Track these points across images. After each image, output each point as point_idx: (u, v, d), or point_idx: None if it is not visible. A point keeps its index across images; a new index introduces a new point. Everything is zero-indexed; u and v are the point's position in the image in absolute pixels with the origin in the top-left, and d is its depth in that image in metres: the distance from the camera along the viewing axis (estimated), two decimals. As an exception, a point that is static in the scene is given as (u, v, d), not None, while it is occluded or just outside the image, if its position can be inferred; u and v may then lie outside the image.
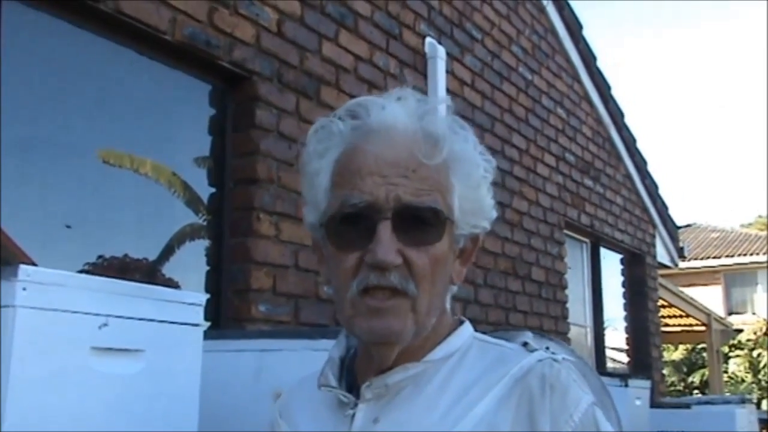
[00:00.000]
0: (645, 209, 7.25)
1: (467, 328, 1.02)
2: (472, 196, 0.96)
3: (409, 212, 0.91)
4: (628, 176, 6.92)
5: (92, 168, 2.85)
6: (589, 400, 0.92)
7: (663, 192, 7.49)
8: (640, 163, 7.05)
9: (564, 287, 5.55)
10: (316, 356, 1.89)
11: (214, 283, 3.02)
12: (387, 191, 0.91)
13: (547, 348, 0.98)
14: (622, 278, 7.09)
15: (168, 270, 3.04)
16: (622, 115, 6.70)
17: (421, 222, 0.92)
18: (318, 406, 1.00)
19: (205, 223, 3.14)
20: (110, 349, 1.19)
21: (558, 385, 0.91)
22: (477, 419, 0.89)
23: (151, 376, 1.25)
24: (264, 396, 1.93)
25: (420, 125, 0.96)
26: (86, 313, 1.15)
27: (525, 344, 0.98)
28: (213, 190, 3.11)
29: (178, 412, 1.29)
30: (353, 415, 0.94)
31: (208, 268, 3.07)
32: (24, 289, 1.06)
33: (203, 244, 3.17)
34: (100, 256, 2.79)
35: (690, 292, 12.43)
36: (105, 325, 1.18)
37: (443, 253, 0.93)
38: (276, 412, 1.07)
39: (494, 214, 0.99)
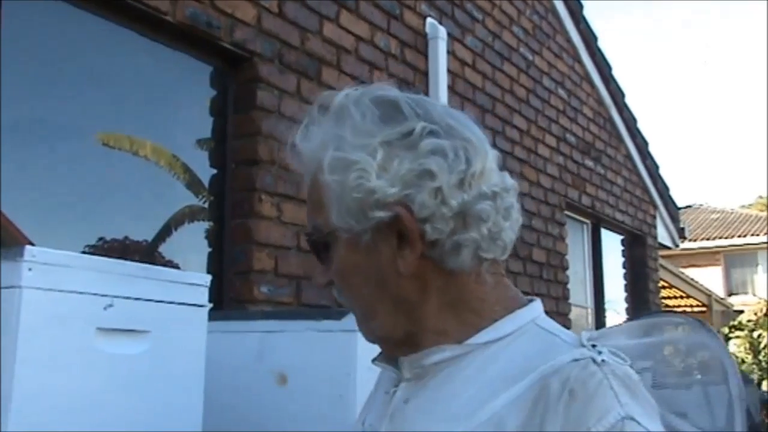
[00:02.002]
0: (646, 190, 7.25)
1: (528, 311, 0.92)
2: (339, 195, 0.88)
3: (308, 237, 0.95)
4: (629, 157, 6.91)
5: (92, 150, 2.85)
6: (621, 413, 0.78)
7: (663, 173, 7.49)
8: (641, 144, 7.04)
9: (565, 268, 5.56)
10: (319, 337, 1.90)
11: (215, 265, 3.03)
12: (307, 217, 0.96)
13: (594, 346, 0.85)
14: (622, 259, 7.10)
15: (169, 252, 3.04)
16: (622, 95, 6.68)
17: (315, 243, 0.93)
18: (381, 379, 1.02)
19: (206, 205, 3.14)
20: (115, 329, 1.20)
21: (582, 391, 0.79)
22: (487, 416, 0.83)
23: (156, 356, 1.26)
24: (267, 377, 1.95)
25: (303, 147, 0.93)
26: (92, 294, 1.15)
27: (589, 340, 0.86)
28: (214, 171, 3.11)
29: (182, 391, 1.30)
30: (394, 393, 0.93)
31: (209, 249, 3.08)
32: (30, 269, 1.07)
33: (205, 225, 3.17)
34: (100, 238, 2.79)
35: (690, 273, 12.46)
36: (110, 305, 1.18)
37: (347, 263, 0.90)
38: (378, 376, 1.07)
39: (386, 193, 0.86)
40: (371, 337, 0.96)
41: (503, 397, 0.83)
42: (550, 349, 0.86)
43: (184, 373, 1.31)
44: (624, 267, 7.11)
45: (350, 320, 1.86)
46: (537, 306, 0.94)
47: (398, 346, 0.92)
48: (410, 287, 0.89)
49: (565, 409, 0.79)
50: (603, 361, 0.82)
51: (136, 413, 1.20)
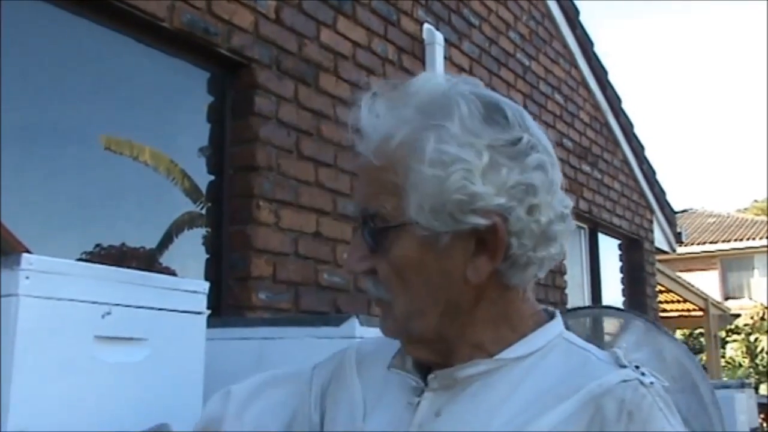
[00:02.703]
0: (642, 194, 7.26)
1: (555, 325, 0.92)
2: (434, 191, 0.83)
3: (365, 219, 0.88)
4: (626, 161, 6.92)
5: (90, 156, 2.84)
6: None
7: (660, 177, 7.50)
8: (638, 149, 7.05)
9: (562, 273, 5.56)
10: (318, 343, 1.90)
11: (214, 271, 3.02)
12: (357, 197, 0.92)
13: (637, 367, 0.86)
14: (620, 263, 7.11)
15: (167, 258, 3.04)
16: (619, 100, 6.69)
17: (374, 228, 0.87)
18: (387, 382, 0.95)
19: (204, 211, 3.14)
20: (114, 337, 1.19)
21: (638, 413, 0.81)
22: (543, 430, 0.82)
23: (155, 364, 1.25)
24: (266, 383, 1.94)
25: (371, 122, 0.89)
26: (89, 302, 1.15)
27: (615, 355, 0.88)
28: (212, 177, 3.11)
29: (182, 400, 1.29)
30: (418, 403, 0.89)
31: (207, 255, 3.07)
32: (27, 277, 1.06)
33: (203, 231, 3.16)
34: (98, 245, 2.78)
35: (687, 277, 12.47)
36: (108, 313, 1.18)
37: (411, 259, 0.86)
38: (354, 366, 1.00)
39: (490, 201, 0.83)
40: (401, 334, 0.91)
41: (552, 416, 0.82)
42: (588, 367, 0.87)
43: (182, 380, 1.30)
44: (621, 271, 7.12)
45: (349, 327, 1.86)
46: (560, 319, 0.94)
47: (428, 348, 0.89)
48: (468, 295, 0.87)
49: (625, 429, 0.80)
50: (651, 383, 0.84)
51: (134, 421, 1.19)
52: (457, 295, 0.87)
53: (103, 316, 1.17)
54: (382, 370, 0.97)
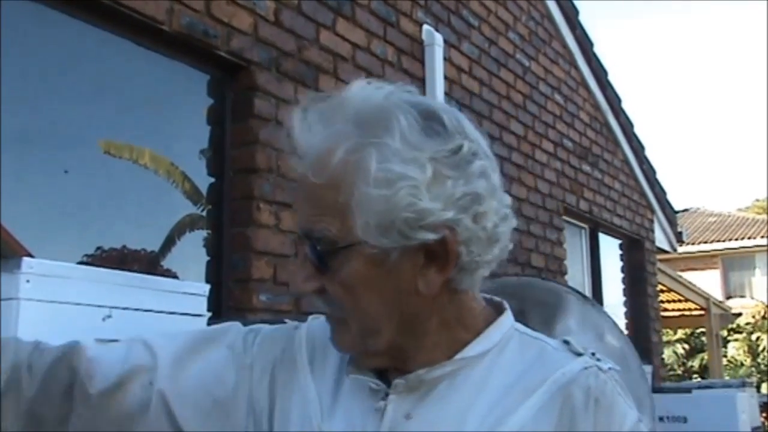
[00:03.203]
0: (643, 194, 7.26)
1: (507, 318, 0.94)
2: (381, 210, 0.81)
3: (310, 240, 0.86)
4: (626, 161, 6.92)
5: (90, 159, 2.85)
6: (635, 417, 0.87)
7: (661, 177, 7.50)
8: (638, 148, 7.06)
9: (563, 273, 5.56)
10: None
11: (214, 273, 3.03)
12: (299, 217, 0.89)
13: (593, 354, 0.90)
14: (621, 263, 7.11)
15: (168, 260, 3.04)
16: (619, 100, 6.70)
17: (320, 250, 0.85)
18: (340, 380, 0.93)
19: (204, 213, 3.14)
20: (114, 341, 1.19)
21: (603, 399, 0.86)
22: (517, 427, 0.84)
23: (156, 366, 1.25)
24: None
25: (306, 138, 0.86)
26: (90, 305, 1.15)
27: (566, 342, 0.92)
28: (212, 179, 3.11)
29: (182, 402, 1.30)
30: (384, 407, 0.88)
31: (208, 258, 3.08)
32: (27, 281, 1.07)
33: (203, 234, 3.17)
34: (98, 248, 2.79)
35: (688, 276, 12.47)
36: (109, 316, 1.18)
37: (361, 278, 0.84)
38: (304, 349, 0.97)
39: (439, 216, 0.81)
40: (357, 351, 0.90)
41: (524, 410, 0.85)
42: (545, 357, 0.90)
43: (183, 383, 1.30)
44: (622, 271, 7.12)
45: (349, 328, 1.87)
46: (509, 310, 0.95)
47: (382, 357, 0.90)
48: (421, 306, 0.87)
49: (594, 416, 0.85)
50: (609, 368, 0.88)
51: (135, 424, 1.20)
52: (410, 308, 0.87)
53: (103, 319, 1.17)
54: (334, 365, 0.95)
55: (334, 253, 0.85)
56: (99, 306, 1.16)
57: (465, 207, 0.84)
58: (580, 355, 0.90)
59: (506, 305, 0.96)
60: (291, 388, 0.95)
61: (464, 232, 0.84)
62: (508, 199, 0.91)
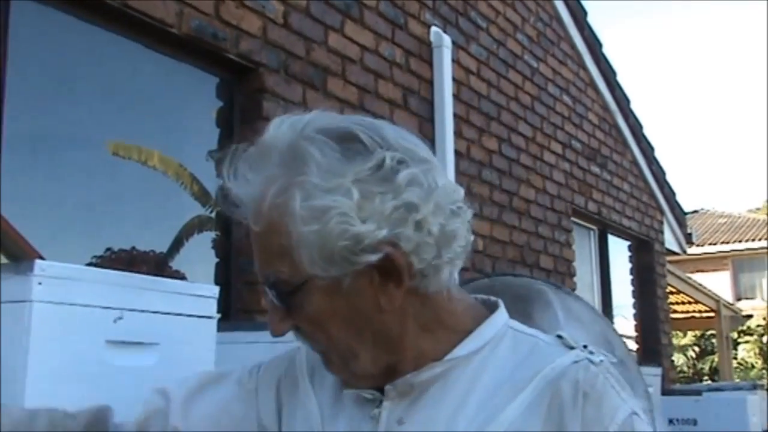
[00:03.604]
0: (652, 195, 7.24)
1: (500, 316, 0.93)
2: (318, 244, 0.82)
3: (268, 285, 0.87)
4: (635, 163, 6.91)
5: (100, 162, 2.87)
6: (628, 410, 0.85)
7: (670, 178, 7.48)
8: (647, 150, 7.03)
9: (572, 275, 5.55)
10: (327, 347, 1.91)
11: (223, 275, 3.03)
12: (255, 264, 0.89)
13: (585, 346, 0.89)
14: (630, 265, 7.09)
15: (176, 262, 3.05)
16: (628, 101, 6.68)
17: (279, 293, 0.86)
18: (339, 394, 0.94)
19: (213, 215, 3.15)
20: (125, 342, 1.20)
21: (592, 392, 0.84)
22: (505, 426, 0.84)
23: (166, 368, 1.26)
24: (276, 387, 1.95)
25: (240, 188, 0.87)
26: (101, 307, 1.16)
27: (560, 337, 0.91)
28: (221, 182, 3.12)
29: (193, 403, 1.30)
30: (379, 414, 0.88)
31: (217, 260, 3.09)
32: (39, 283, 1.07)
33: (212, 236, 3.18)
34: (108, 249, 2.80)
35: (698, 278, 12.42)
36: (120, 318, 1.19)
37: (323, 309, 0.85)
38: (306, 373, 0.98)
39: (375, 237, 0.82)
40: (349, 377, 0.91)
41: (513, 407, 0.84)
42: (537, 352, 0.89)
43: (193, 384, 1.31)
44: (631, 273, 7.09)
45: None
46: (503, 308, 0.95)
47: (375, 378, 0.89)
48: (390, 321, 0.87)
49: (582, 411, 0.83)
50: (601, 361, 0.87)
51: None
52: (381, 326, 0.87)
53: (114, 321, 1.18)
54: (332, 378, 0.96)
55: (291, 293, 0.86)
56: (110, 308, 1.17)
57: (400, 219, 0.83)
58: (572, 349, 0.89)
59: (500, 304, 0.95)
60: (294, 404, 0.97)
61: (408, 243, 0.83)
62: (456, 193, 0.89)
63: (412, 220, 0.83)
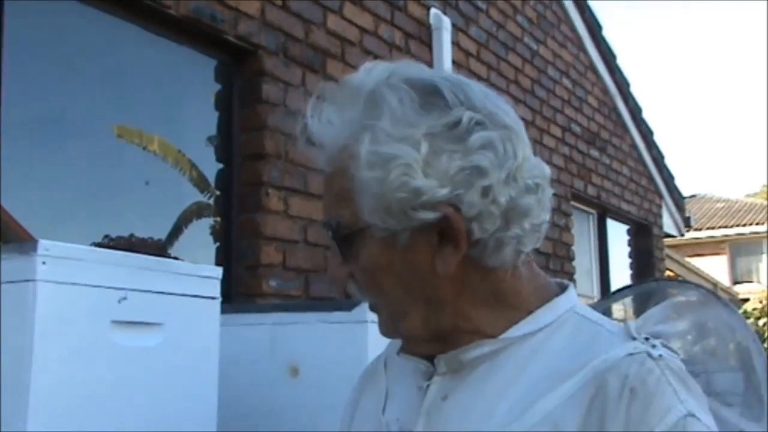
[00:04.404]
0: (651, 179, 7.23)
1: (566, 299, 0.88)
2: (377, 192, 0.80)
3: (330, 229, 0.87)
4: (634, 146, 6.89)
5: (98, 147, 2.85)
6: (683, 411, 0.76)
7: (668, 162, 7.47)
8: (646, 133, 7.02)
9: (571, 259, 5.55)
10: (329, 328, 1.90)
11: (224, 259, 3.03)
12: (323, 209, 0.89)
13: (647, 339, 0.82)
14: (628, 249, 7.09)
15: (177, 247, 3.04)
16: (627, 84, 6.66)
17: (337, 238, 0.86)
18: (404, 369, 0.94)
19: (212, 201, 3.14)
20: (130, 322, 1.19)
21: (642, 389, 0.77)
22: (542, 415, 0.79)
23: (171, 349, 1.25)
24: (279, 369, 1.95)
25: (320, 130, 0.86)
26: (106, 287, 1.15)
27: (625, 326, 0.84)
28: (221, 166, 3.11)
29: (197, 383, 1.30)
30: (427, 387, 0.87)
31: (217, 244, 3.08)
32: (43, 263, 1.06)
33: (211, 221, 3.17)
34: (106, 236, 2.79)
35: (695, 262, 12.45)
36: (124, 298, 1.18)
37: (378, 262, 0.84)
38: (383, 359, 1.01)
39: (434, 194, 0.79)
40: (396, 336, 0.91)
41: (555, 396, 0.79)
42: (596, 341, 0.83)
43: (198, 364, 1.31)
44: (630, 257, 7.10)
45: (361, 311, 1.86)
46: (572, 292, 0.90)
47: (427, 343, 0.88)
48: (445, 287, 0.84)
49: (627, 408, 0.76)
50: (660, 356, 0.80)
51: (152, 405, 1.20)
52: (433, 289, 0.84)
53: (119, 301, 1.17)
54: (399, 358, 0.96)
55: (348, 240, 0.85)
56: (114, 288, 1.16)
57: (465, 182, 0.80)
58: (634, 340, 0.82)
59: (571, 287, 0.91)
60: (369, 388, 1.00)
61: (470, 208, 0.80)
62: (540, 170, 0.86)
63: (478, 186, 0.80)
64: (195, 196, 3.15)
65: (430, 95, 0.83)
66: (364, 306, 1.85)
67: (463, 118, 0.81)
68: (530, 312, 0.86)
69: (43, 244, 1.07)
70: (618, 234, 6.84)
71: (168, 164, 3.08)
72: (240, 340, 1.77)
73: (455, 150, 0.80)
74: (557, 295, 0.89)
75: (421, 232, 0.82)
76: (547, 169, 0.88)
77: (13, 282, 1.07)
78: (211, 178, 3.13)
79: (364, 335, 1.81)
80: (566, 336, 0.85)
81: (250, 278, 2.96)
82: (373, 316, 1.85)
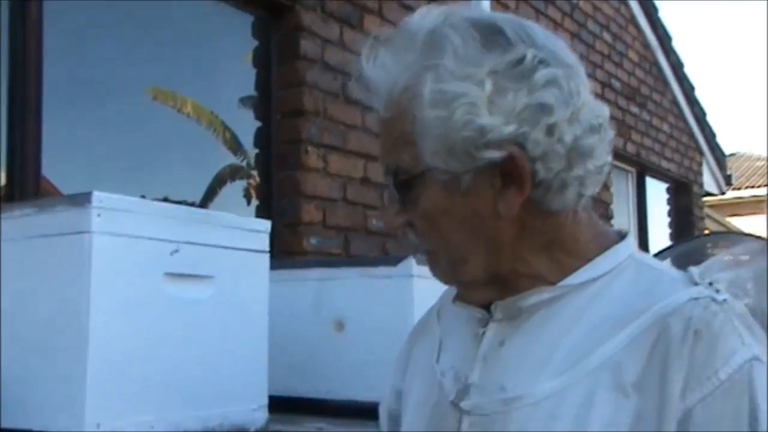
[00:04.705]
0: (692, 136, 7.08)
1: (626, 246, 0.87)
2: (441, 132, 0.79)
3: (389, 174, 0.86)
4: (675, 102, 6.74)
5: (134, 109, 2.86)
6: (748, 354, 0.75)
7: (710, 119, 7.30)
8: (688, 89, 6.85)
9: (610, 218, 5.48)
10: (374, 283, 1.90)
11: (264, 218, 3.03)
12: (380, 154, 0.88)
13: (711, 284, 0.80)
14: (667, 208, 6.99)
15: (217, 205, 3.06)
16: (669, 38, 6.48)
17: (398, 182, 0.85)
18: (457, 318, 0.94)
19: (243, 163, 3.15)
20: (182, 275, 1.20)
21: (706, 331, 0.75)
22: (601, 360, 0.78)
23: (222, 301, 1.26)
24: (324, 324, 1.96)
25: (376, 74, 0.85)
26: (158, 239, 1.15)
27: (688, 272, 0.83)
28: (260, 123, 3.10)
29: (248, 335, 1.31)
30: (483, 334, 0.87)
31: (257, 202, 3.09)
32: (98, 215, 1.07)
33: (245, 182, 3.18)
34: (142, 196, 2.80)
35: (735, 221, 12.23)
36: (176, 251, 1.19)
37: (439, 206, 0.83)
38: (436, 310, 1.02)
39: (500, 132, 0.78)
40: (454, 282, 0.90)
41: (615, 341, 0.78)
42: (658, 287, 0.81)
43: (248, 316, 1.31)
44: (669, 216, 6.99)
45: (406, 266, 1.86)
46: (631, 240, 0.88)
47: (485, 289, 0.87)
48: (507, 230, 0.83)
49: (690, 351, 0.75)
50: (724, 300, 0.78)
51: (204, 357, 1.21)
52: (495, 233, 0.83)
53: (171, 254, 1.18)
54: (453, 307, 0.96)
55: (409, 184, 0.84)
56: (167, 240, 1.17)
57: (531, 120, 0.78)
58: (697, 285, 0.80)
59: (629, 234, 0.90)
60: (422, 340, 1.00)
61: (535, 147, 0.79)
62: (601, 110, 0.84)
63: (543, 123, 0.79)
64: (228, 159, 3.17)
65: (492, 34, 0.82)
66: (410, 261, 1.85)
67: (527, 55, 0.79)
68: (589, 260, 0.85)
69: (97, 195, 1.07)
70: (657, 192, 6.73)
71: (202, 126, 3.09)
72: (285, 295, 1.77)
73: (520, 87, 0.79)
74: (616, 242, 0.87)
75: (483, 173, 0.81)
76: (607, 110, 0.86)
77: (68, 234, 1.08)
78: (247, 139, 3.13)
79: (409, 290, 1.81)
80: (626, 282, 0.83)
81: (290, 236, 2.97)
82: (419, 271, 1.86)
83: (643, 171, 6.33)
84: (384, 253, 3.30)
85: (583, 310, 0.83)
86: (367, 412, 1.82)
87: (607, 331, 0.79)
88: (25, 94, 2.30)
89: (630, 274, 0.84)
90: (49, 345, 1.07)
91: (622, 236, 0.89)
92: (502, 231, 0.83)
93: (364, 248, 3.17)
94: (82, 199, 1.07)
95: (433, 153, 0.80)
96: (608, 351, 0.78)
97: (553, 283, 0.84)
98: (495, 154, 0.78)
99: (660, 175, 6.59)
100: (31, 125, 2.30)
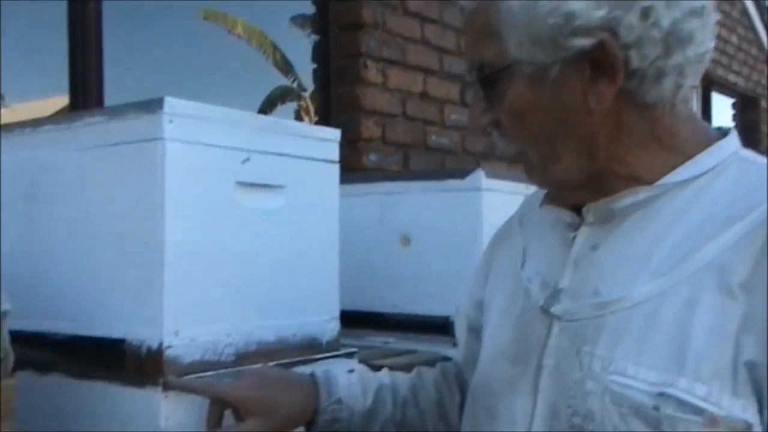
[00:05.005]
0: (762, 49, 6.75)
1: (729, 142, 0.82)
2: (526, 21, 0.75)
3: (473, 71, 0.83)
4: (745, 13, 6.41)
5: (186, 29, 2.82)
6: None
7: (783, 29, 6.93)
8: (760, -2, 6.51)
9: (674, 134, 5.32)
10: (441, 197, 1.87)
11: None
12: (464, 52, 0.86)
13: None
14: (733, 124, 6.74)
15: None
16: (742, -57, 6.12)
17: (482, 78, 0.82)
18: (542, 223, 0.92)
19: (295, 85, 3.11)
20: (253, 183, 1.18)
21: None
22: (705, 261, 0.73)
23: (293, 211, 1.24)
24: (391, 237, 1.94)
25: None
26: (230, 148, 1.13)
27: None
28: (318, 37, 3.04)
29: (319, 246, 1.30)
30: (574, 238, 0.84)
31: (317, 117, 3.06)
32: (171, 121, 1.05)
33: (294, 106, 3.17)
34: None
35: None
36: (247, 160, 1.16)
37: (526, 101, 0.79)
38: (517, 218, 1.00)
39: (590, 17, 0.73)
40: (547, 182, 0.88)
41: (720, 241, 0.73)
42: (765, 183, 0.76)
43: (319, 227, 1.30)
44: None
45: (475, 179, 1.82)
46: (735, 135, 0.83)
47: (578, 190, 0.84)
48: (599, 125, 0.79)
49: None
50: None
51: (278, 267, 1.21)
52: (586, 128, 0.79)
53: (242, 162, 1.15)
54: (538, 213, 0.94)
55: (494, 79, 0.81)
56: (238, 149, 1.14)
57: (623, 2, 0.73)
58: None
59: (732, 130, 0.85)
60: (503, 247, 0.99)
61: (629, 32, 0.74)
62: None
63: (638, 6, 0.74)
64: (278, 81, 3.13)
65: None
66: (479, 173, 1.81)
67: None
68: (689, 156, 0.80)
69: (168, 101, 1.05)
70: (723, 107, 6.49)
71: (252, 47, 3.05)
72: (350, 209, 1.76)
73: None
74: (718, 139, 0.83)
75: (572, 64, 0.76)
76: None
77: (140, 141, 1.06)
78: (297, 59, 3.09)
79: (478, 203, 1.78)
80: (731, 180, 0.79)
81: (350, 152, 2.95)
82: (488, 184, 1.82)
83: (709, 85, 6.09)
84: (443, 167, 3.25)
85: (683, 210, 0.78)
86: (433, 326, 1.83)
87: (711, 231, 0.75)
88: (84, 16, 2.28)
89: (734, 171, 0.79)
90: (125, 254, 1.07)
91: (724, 133, 0.84)
92: (594, 126, 0.79)
93: (423, 165, 3.13)
94: (153, 106, 1.05)
95: (518, 44, 0.76)
96: (713, 251, 0.73)
97: (649, 183, 0.80)
98: (584, 42, 0.74)
99: (726, 89, 6.34)
100: (92, 46, 2.29)
